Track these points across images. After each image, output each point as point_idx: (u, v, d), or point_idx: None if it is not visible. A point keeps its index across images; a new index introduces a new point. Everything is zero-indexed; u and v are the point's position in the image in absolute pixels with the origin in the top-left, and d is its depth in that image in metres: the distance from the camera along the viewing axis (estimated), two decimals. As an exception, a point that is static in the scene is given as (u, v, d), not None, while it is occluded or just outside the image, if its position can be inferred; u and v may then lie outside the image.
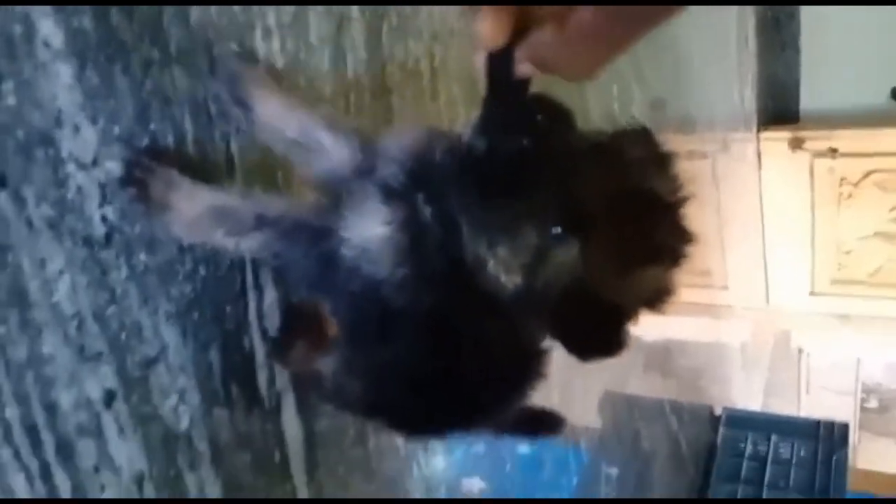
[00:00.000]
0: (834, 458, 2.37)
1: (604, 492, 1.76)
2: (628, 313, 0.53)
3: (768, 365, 3.53)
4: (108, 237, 0.56)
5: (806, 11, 2.87)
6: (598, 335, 0.53)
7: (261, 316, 0.71)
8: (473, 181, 0.51)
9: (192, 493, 0.65)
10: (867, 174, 2.82)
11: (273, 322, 0.72)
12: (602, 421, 1.85)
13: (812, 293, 3.10)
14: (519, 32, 0.37)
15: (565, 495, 1.56)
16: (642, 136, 0.54)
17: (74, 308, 0.54)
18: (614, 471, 1.85)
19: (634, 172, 0.52)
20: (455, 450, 1.07)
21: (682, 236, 0.53)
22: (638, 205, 0.51)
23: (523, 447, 1.38)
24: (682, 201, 0.54)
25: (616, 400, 1.93)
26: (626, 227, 0.51)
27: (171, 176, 0.59)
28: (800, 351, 3.56)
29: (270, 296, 0.72)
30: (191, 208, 0.58)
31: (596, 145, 0.52)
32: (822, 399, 3.60)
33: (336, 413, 0.82)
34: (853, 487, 2.50)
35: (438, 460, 1.05)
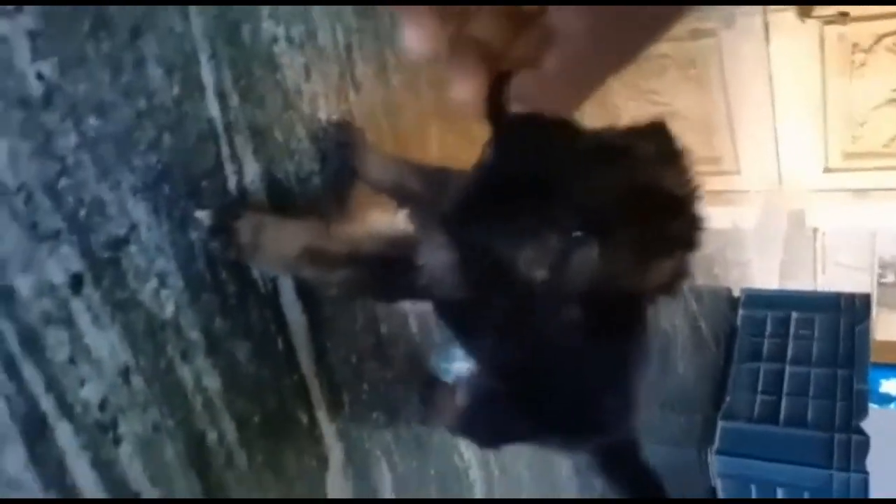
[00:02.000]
0: (856, 329, 2.34)
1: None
2: (648, 300, 0.58)
3: (783, 246, 3.48)
4: (48, 97, 0.49)
5: None
6: (622, 323, 0.59)
7: (243, 191, 0.64)
8: (494, 200, 0.55)
9: (189, 385, 0.59)
10: (879, 38, 2.68)
11: (258, 199, 0.65)
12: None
13: (826, 170, 3.00)
14: (500, 78, 0.36)
15: None
16: (652, 133, 0.56)
17: (18, 179, 0.47)
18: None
19: (646, 170, 0.55)
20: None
21: (694, 224, 0.55)
22: (651, 202, 0.54)
23: None
24: (693, 193, 0.56)
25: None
26: (642, 224, 0.54)
27: (261, 219, 0.63)
28: (815, 230, 3.49)
29: (252, 169, 0.64)
30: (282, 248, 0.63)
31: (606, 146, 0.54)
32: (838, 277, 3.55)
33: (341, 300, 0.76)
34: (875, 358, 2.48)
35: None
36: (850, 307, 2.38)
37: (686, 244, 0.56)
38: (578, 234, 0.55)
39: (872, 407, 2.25)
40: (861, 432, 2.01)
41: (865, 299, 2.41)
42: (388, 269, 0.64)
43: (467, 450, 0.97)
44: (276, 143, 0.67)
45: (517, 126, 0.43)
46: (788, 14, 2.68)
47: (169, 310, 0.58)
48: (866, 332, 2.34)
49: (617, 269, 0.56)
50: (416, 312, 0.87)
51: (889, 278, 3.68)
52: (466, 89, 0.35)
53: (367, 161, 0.76)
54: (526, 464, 1.13)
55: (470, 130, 0.72)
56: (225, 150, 0.62)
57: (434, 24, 0.34)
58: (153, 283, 0.56)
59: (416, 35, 0.33)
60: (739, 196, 3.08)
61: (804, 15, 2.68)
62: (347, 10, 0.75)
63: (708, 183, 2.89)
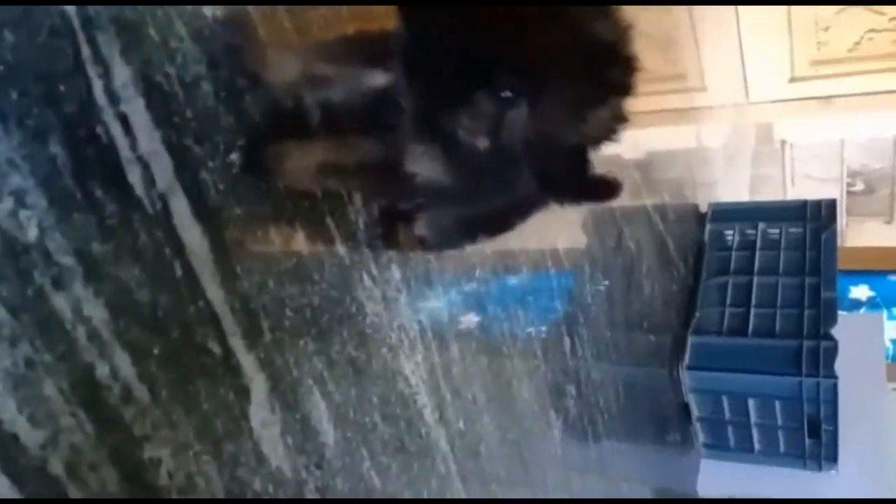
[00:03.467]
0: (823, 236, 2.32)
1: (595, 306, 1.70)
2: (589, 149, 0.58)
3: (752, 162, 3.45)
4: None
5: None
6: (565, 176, 0.59)
7: (113, 98, 0.56)
8: (420, 72, 0.58)
9: (66, 315, 0.53)
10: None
11: (133, 106, 0.58)
12: (587, 237, 1.77)
13: (792, 79, 2.95)
14: None
15: (558, 316, 1.52)
16: None
17: None
18: (604, 283, 1.80)
19: (573, 20, 0.54)
20: (449, 291, 1.02)
21: (628, 68, 0.55)
22: (581, 51, 0.54)
23: (511, 279, 1.33)
24: (624, 36, 0.56)
25: (599, 214, 1.83)
26: (572, 75, 0.54)
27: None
28: (783, 142, 3.45)
29: (123, 73, 0.57)
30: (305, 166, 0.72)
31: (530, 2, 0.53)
32: (808, 189, 3.53)
33: (253, 216, 0.70)
34: (844, 266, 2.48)
35: (435, 304, 0.98)
36: (817, 215, 2.36)
37: (621, 89, 0.56)
38: (507, 94, 0.54)
39: (842, 313, 2.25)
40: (829, 338, 2.01)
41: (831, 206, 2.38)
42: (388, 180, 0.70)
43: (413, 374, 0.92)
44: (151, 41, 0.59)
45: None
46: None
47: (31, 232, 0.51)
48: (833, 239, 2.32)
49: (551, 123, 0.56)
50: (342, 234, 0.81)
51: (858, 186, 3.67)
52: None
53: (267, 61, 0.69)
54: (481, 386, 1.10)
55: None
56: (85, 50, 0.54)
57: None
58: (8, 202, 0.50)
59: None
60: (706, 113, 3.03)
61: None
62: None
63: (673, 101, 2.85)
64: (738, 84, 3.04)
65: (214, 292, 0.65)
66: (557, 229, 1.55)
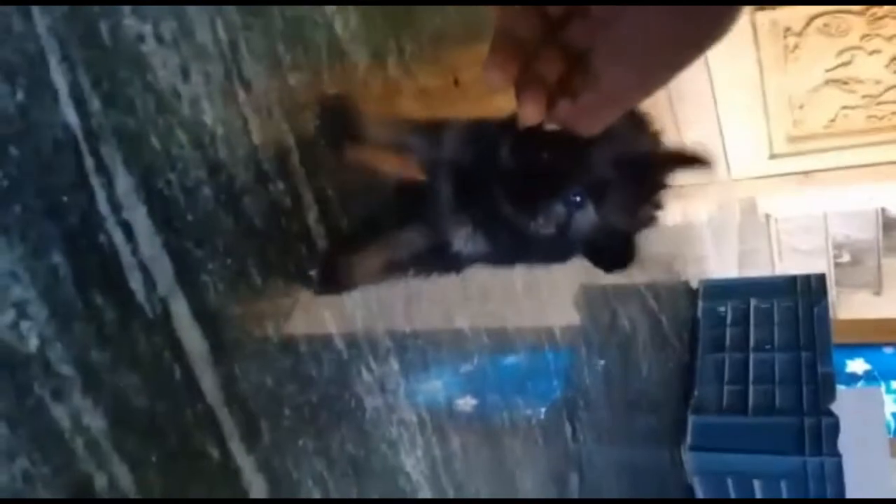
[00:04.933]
0: (815, 310, 2.33)
1: (592, 385, 1.69)
2: (636, 234, 0.73)
3: (739, 237, 3.49)
4: None
5: None
6: (618, 255, 0.75)
7: (116, 206, 0.57)
8: (512, 184, 0.70)
9: (65, 427, 0.52)
10: (810, 20, 2.72)
11: (136, 213, 0.59)
12: (580, 315, 1.77)
13: (771, 156, 3.03)
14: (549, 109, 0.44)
15: (557, 396, 1.50)
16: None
17: None
18: (600, 363, 1.79)
19: (624, 139, 0.66)
20: (443, 373, 1.02)
21: (667, 168, 0.69)
22: (634, 168, 0.68)
23: (507, 359, 1.33)
24: (660, 143, 0.70)
25: (591, 292, 1.84)
26: (628, 182, 0.68)
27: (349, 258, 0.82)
28: (767, 217, 3.51)
29: (124, 182, 0.58)
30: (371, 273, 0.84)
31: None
32: (796, 263, 3.58)
33: (251, 316, 0.70)
34: (838, 339, 2.48)
35: (434, 392, 0.97)
36: (807, 289, 2.37)
37: (662, 186, 0.70)
38: (577, 198, 0.69)
39: (840, 388, 2.23)
40: (830, 414, 1.99)
41: (821, 279, 2.41)
42: (433, 252, 0.80)
43: (414, 469, 0.91)
44: (153, 150, 0.61)
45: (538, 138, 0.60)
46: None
47: (32, 343, 0.51)
48: (825, 313, 2.33)
49: (612, 220, 0.71)
50: (340, 330, 0.81)
51: (844, 258, 3.72)
52: (532, 113, 0.43)
53: (366, 122, 0.85)
54: (483, 478, 1.07)
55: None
56: (89, 162, 0.55)
57: (510, 64, 0.42)
58: (9, 314, 0.50)
59: (495, 72, 0.41)
60: (690, 190, 3.08)
61: (734, 4, 2.70)
62: (230, 7, 0.70)
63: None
64: (719, 162, 3.11)
65: (214, 395, 0.65)
66: (551, 309, 1.56)
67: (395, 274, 0.87)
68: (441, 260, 0.83)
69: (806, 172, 3.05)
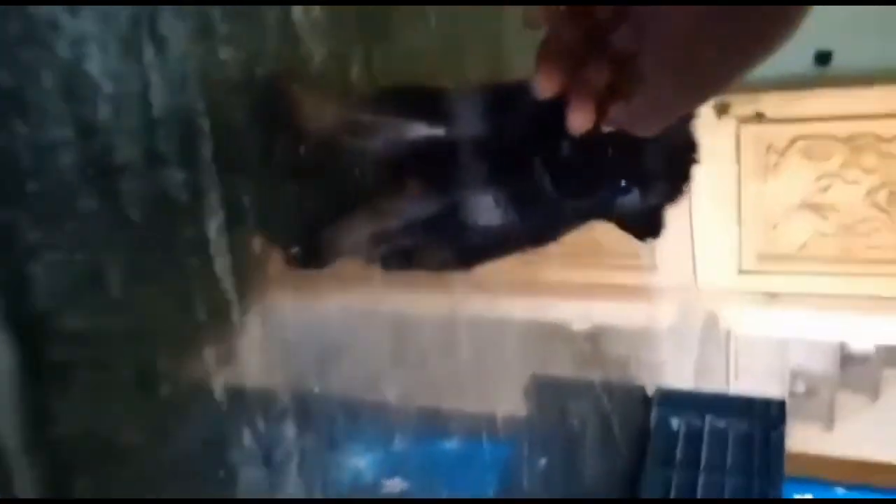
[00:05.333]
0: (771, 437, 2.19)
1: (530, 485, 1.51)
2: (665, 208, 0.78)
3: (697, 348, 3.39)
4: None
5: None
6: (650, 227, 0.80)
7: None
8: (562, 170, 0.71)
9: None
10: (793, 141, 2.70)
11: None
12: (527, 406, 1.61)
13: (740, 271, 2.96)
14: (599, 111, 0.44)
15: (490, 491, 1.33)
16: None
17: None
18: (542, 461, 1.62)
19: (678, 130, 0.72)
20: (375, 449, 0.90)
21: (696, 161, 0.77)
22: (683, 154, 0.74)
23: (447, 443, 1.17)
24: (692, 130, 0.75)
25: (543, 382, 1.69)
26: (677, 171, 0.75)
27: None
28: (728, 333, 3.43)
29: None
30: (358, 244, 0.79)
31: None
32: (750, 384, 3.48)
33: (90, 335, 0.52)
34: (787, 470, 2.34)
35: (359, 461, 0.81)
36: (765, 413, 2.25)
37: (696, 163, 0.76)
38: (623, 183, 0.72)
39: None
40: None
41: (780, 407, 2.28)
42: (433, 230, 0.82)
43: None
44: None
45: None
46: (707, 109, 2.67)
47: None
48: (781, 442, 2.20)
49: (654, 203, 0.75)
50: (224, 373, 0.63)
51: (800, 388, 3.63)
52: (581, 122, 0.43)
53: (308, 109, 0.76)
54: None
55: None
56: None
57: (560, 70, 0.42)
58: None
59: (545, 82, 0.42)
60: (655, 293, 3.00)
61: (721, 112, 2.68)
62: None
63: (624, 277, 2.81)
64: (687, 269, 3.04)
65: (14, 446, 0.46)
66: (496, 392, 1.39)
67: (384, 244, 0.83)
68: (443, 231, 0.83)
69: (773, 294, 2.99)
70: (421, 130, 0.77)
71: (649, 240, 0.81)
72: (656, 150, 0.69)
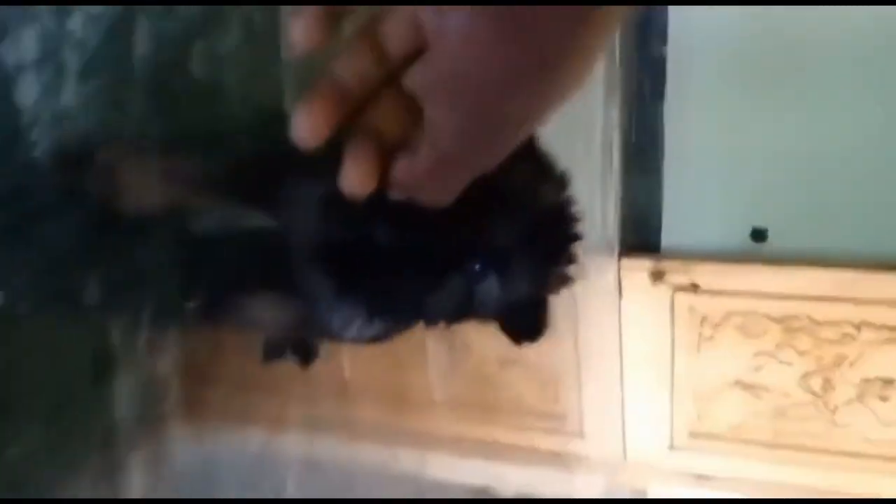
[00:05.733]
0: None
1: None
2: (546, 302, 0.69)
3: (622, 529, 3.14)
4: None
5: (669, 141, 2.77)
6: (528, 326, 0.70)
7: None
8: (399, 261, 0.60)
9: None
10: (728, 315, 2.64)
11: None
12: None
13: (671, 447, 2.80)
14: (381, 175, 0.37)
15: None
16: (526, 153, 0.56)
17: None
18: None
19: (527, 193, 0.61)
20: None
21: (575, 237, 0.66)
22: (543, 224, 0.62)
23: None
24: (570, 203, 0.65)
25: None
26: (538, 246, 0.63)
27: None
28: (656, 513, 3.20)
29: None
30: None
31: (488, 185, 0.52)
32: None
33: None
34: None
35: None
36: None
37: (574, 240, 0.66)
38: (477, 268, 0.62)
39: None
40: None
41: None
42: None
43: None
44: None
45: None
46: (641, 274, 2.61)
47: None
48: None
49: (519, 290, 0.65)
50: None
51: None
52: (360, 179, 0.36)
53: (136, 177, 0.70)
54: None
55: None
56: None
57: (333, 109, 0.34)
58: None
59: (310, 120, 0.34)
60: (581, 462, 2.80)
61: (655, 279, 2.62)
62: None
63: (549, 441, 2.63)
64: (616, 439, 2.87)
65: None
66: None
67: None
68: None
69: (703, 476, 2.82)
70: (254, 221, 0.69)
71: (527, 343, 0.68)
72: (510, 221, 0.58)
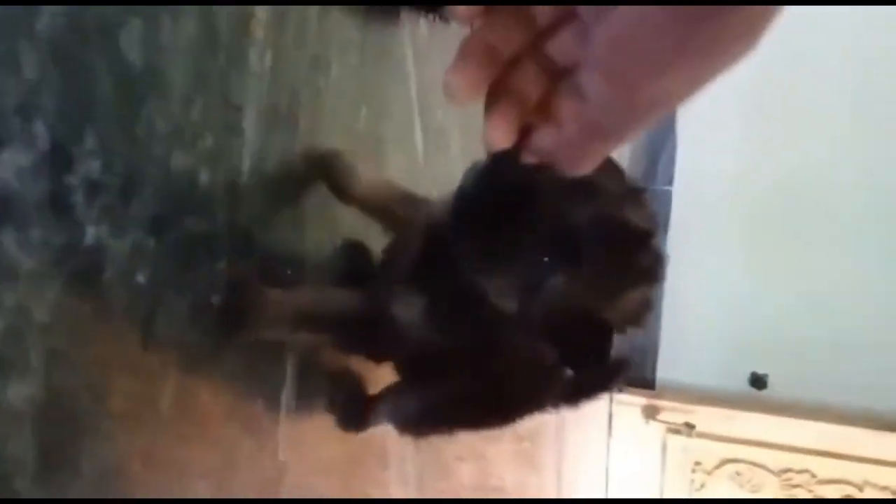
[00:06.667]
0: None
1: None
2: (615, 329, 0.61)
3: None
4: None
5: (670, 275, 2.68)
6: (591, 350, 0.62)
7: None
8: (470, 225, 0.60)
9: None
10: (723, 462, 2.49)
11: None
12: None
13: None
14: (523, 134, 0.37)
15: None
16: (612, 170, 0.61)
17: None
18: None
19: (613, 205, 0.59)
20: None
21: (658, 258, 0.61)
22: (619, 234, 0.59)
23: None
24: (655, 228, 0.61)
25: None
26: (610, 255, 0.59)
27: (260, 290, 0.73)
28: None
29: None
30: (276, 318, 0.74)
31: (576, 181, 0.52)
32: None
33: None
34: None
35: None
36: None
37: (651, 277, 0.61)
38: (547, 260, 0.59)
39: None
40: None
41: None
42: (361, 327, 0.72)
43: None
44: None
45: (504, 161, 0.43)
46: (634, 410, 2.48)
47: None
48: None
49: (586, 298, 0.59)
50: None
51: None
52: (501, 135, 0.36)
53: (355, 183, 0.81)
54: None
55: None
56: None
57: (478, 71, 0.35)
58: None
59: (458, 79, 0.35)
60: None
61: (649, 416, 2.49)
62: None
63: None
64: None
65: None
66: None
67: (306, 329, 0.76)
68: (369, 330, 0.74)
69: None
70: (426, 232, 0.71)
71: (588, 369, 0.64)
72: (582, 214, 0.56)
